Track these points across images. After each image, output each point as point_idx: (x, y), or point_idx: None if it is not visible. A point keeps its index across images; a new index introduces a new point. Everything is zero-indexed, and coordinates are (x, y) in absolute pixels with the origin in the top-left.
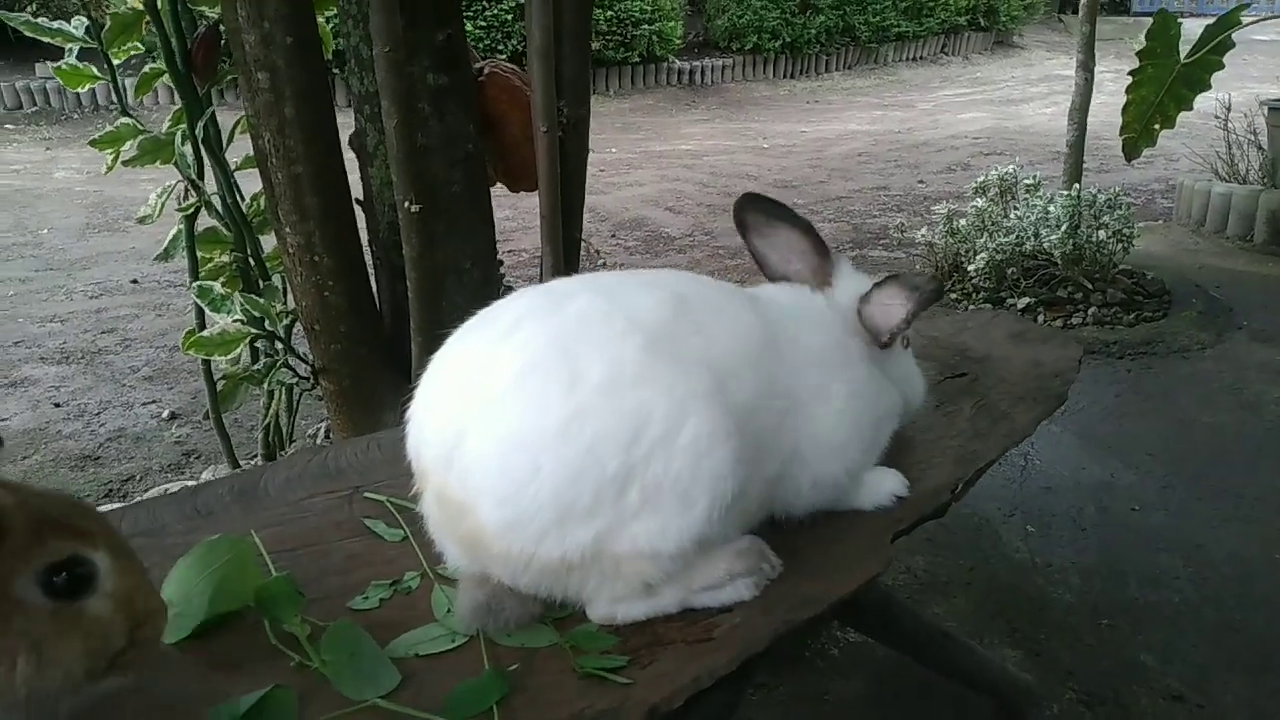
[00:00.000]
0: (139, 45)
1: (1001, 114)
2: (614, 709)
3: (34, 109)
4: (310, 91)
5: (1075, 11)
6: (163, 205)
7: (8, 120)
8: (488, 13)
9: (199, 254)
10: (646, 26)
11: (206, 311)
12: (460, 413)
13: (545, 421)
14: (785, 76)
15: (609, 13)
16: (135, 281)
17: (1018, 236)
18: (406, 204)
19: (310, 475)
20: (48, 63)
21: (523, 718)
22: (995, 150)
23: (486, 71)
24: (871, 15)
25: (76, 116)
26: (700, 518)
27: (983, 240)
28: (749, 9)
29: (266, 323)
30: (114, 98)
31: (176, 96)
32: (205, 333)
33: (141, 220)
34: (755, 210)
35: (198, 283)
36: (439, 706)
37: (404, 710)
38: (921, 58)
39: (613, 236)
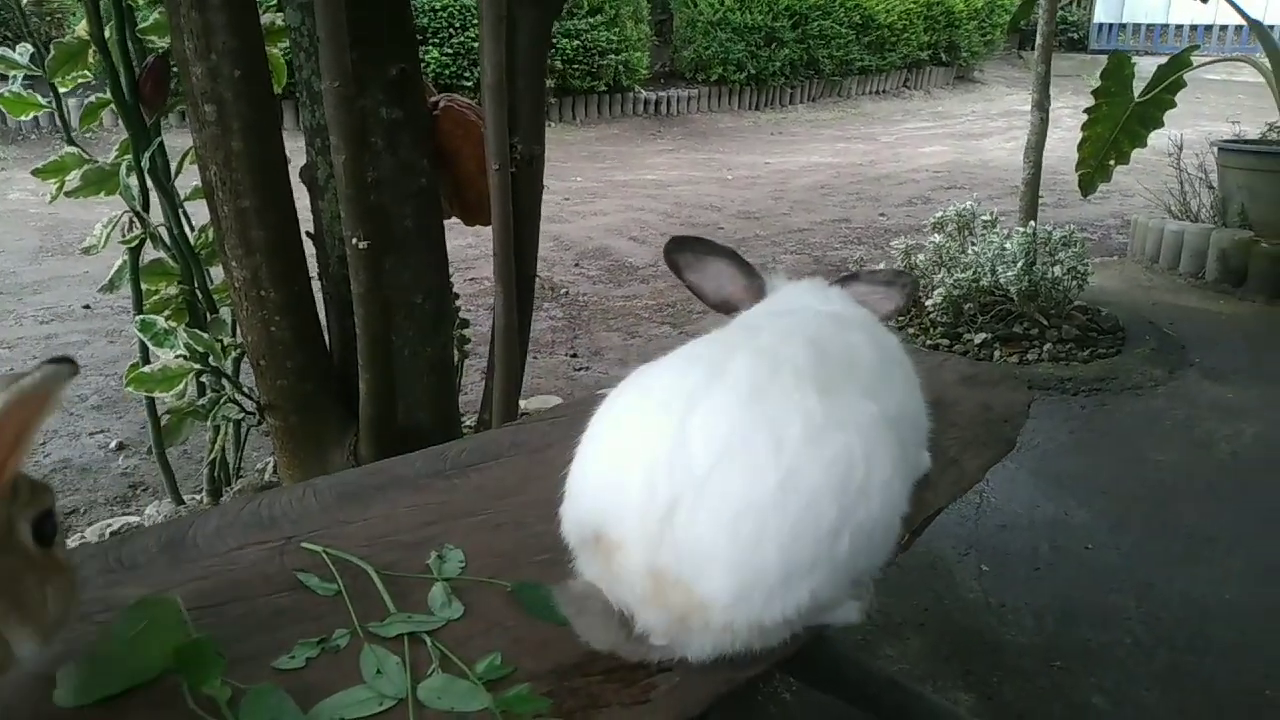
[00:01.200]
0: (86, 74)
1: (962, 148)
2: None
3: None
4: (258, 125)
5: (1034, 49)
6: (108, 236)
7: None
8: (454, 40)
9: (144, 286)
10: (613, 56)
11: (150, 346)
12: (665, 492)
13: (764, 485)
14: (750, 108)
15: (575, 42)
16: (88, 307)
17: (974, 272)
18: (354, 240)
19: (241, 524)
20: None
21: None
22: (955, 184)
23: (441, 105)
24: (835, 49)
25: (33, 137)
26: (890, 550)
27: (940, 275)
28: (715, 41)
29: (211, 358)
30: (59, 126)
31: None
32: (146, 368)
33: (86, 250)
34: (683, 250)
35: (140, 317)
36: None
37: None
38: (884, 91)
39: (576, 265)
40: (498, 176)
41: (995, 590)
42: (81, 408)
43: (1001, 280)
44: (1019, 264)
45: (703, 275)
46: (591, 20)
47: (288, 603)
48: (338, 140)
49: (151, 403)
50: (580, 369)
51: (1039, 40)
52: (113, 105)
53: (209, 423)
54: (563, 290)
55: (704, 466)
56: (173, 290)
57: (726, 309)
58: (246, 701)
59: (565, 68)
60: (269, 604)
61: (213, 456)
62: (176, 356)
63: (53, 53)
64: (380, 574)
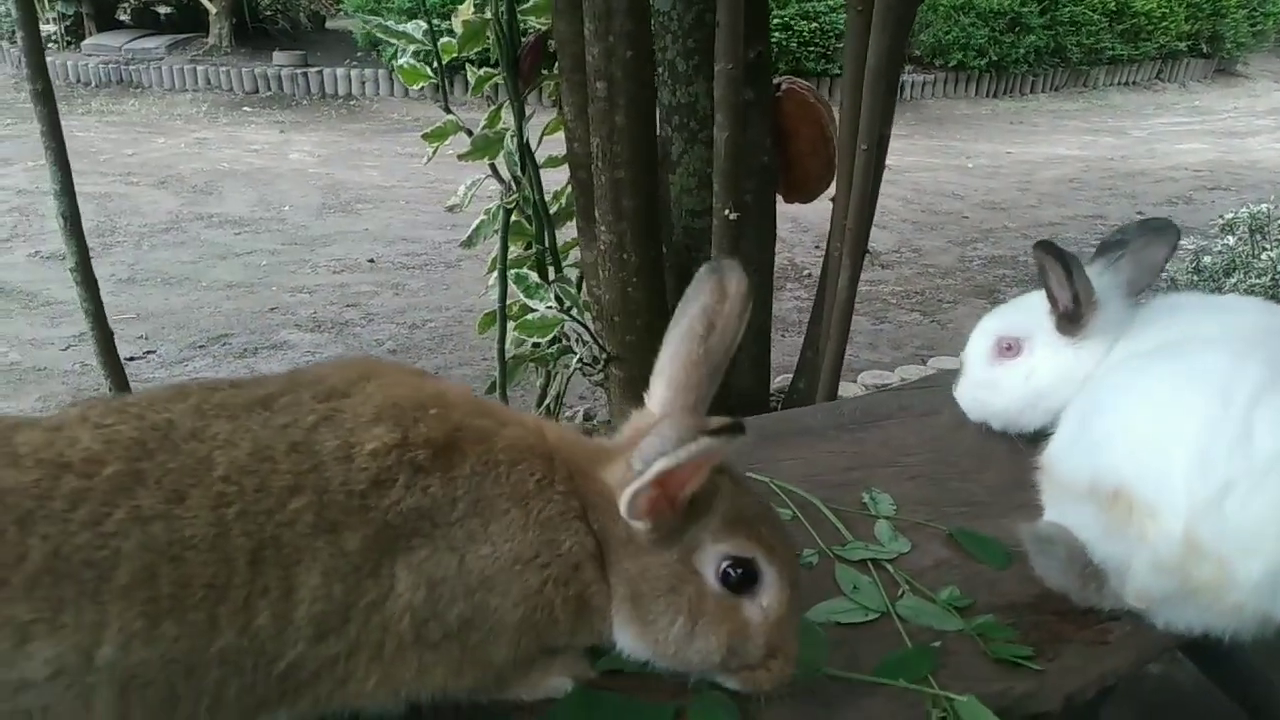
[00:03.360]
0: (478, 51)
1: (1224, 146)
2: (1032, 693)
3: (268, 94)
4: (641, 102)
5: None
6: (471, 196)
7: (245, 103)
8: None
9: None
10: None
11: (522, 297)
12: (1220, 473)
13: None
14: (988, 95)
15: (813, 25)
16: (372, 261)
17: (1272, 277)
18: (725, 211)
19: None
20: (281, 52)
21: (953, 689)
22: (1219, 185)
23: (784, 88)
24: (1085, 36)
25: (305, 103)
26: None
27: (1233, 280)
28: (956, 25)
29: (574, 310)
30: (438, 95)
31: (459, 96)
32: (529, 316)
33: (450, 209)
34: (1049, 254)
35: (515, 271)
36: (870, 671)
37: (849, 675)
38: (1134, 82)
39: (816, 248)
40: (864, 156)
41: None
42: (379, 351)
43: None
44: None
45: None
46: (830, 2)
47: None
48: (723, 118)
49: (502, 348)
50: None
51: None
52: (495, 78)
53: (550, 369)
54: (805, 272)
55: (1266, 459)
56: (523, 250)
57: (1073, 318)
58: None
59: (800, 50)
60: None
61: (546, 402)
62: (548, 307)
63: (459, 30)
64: (828, 507)
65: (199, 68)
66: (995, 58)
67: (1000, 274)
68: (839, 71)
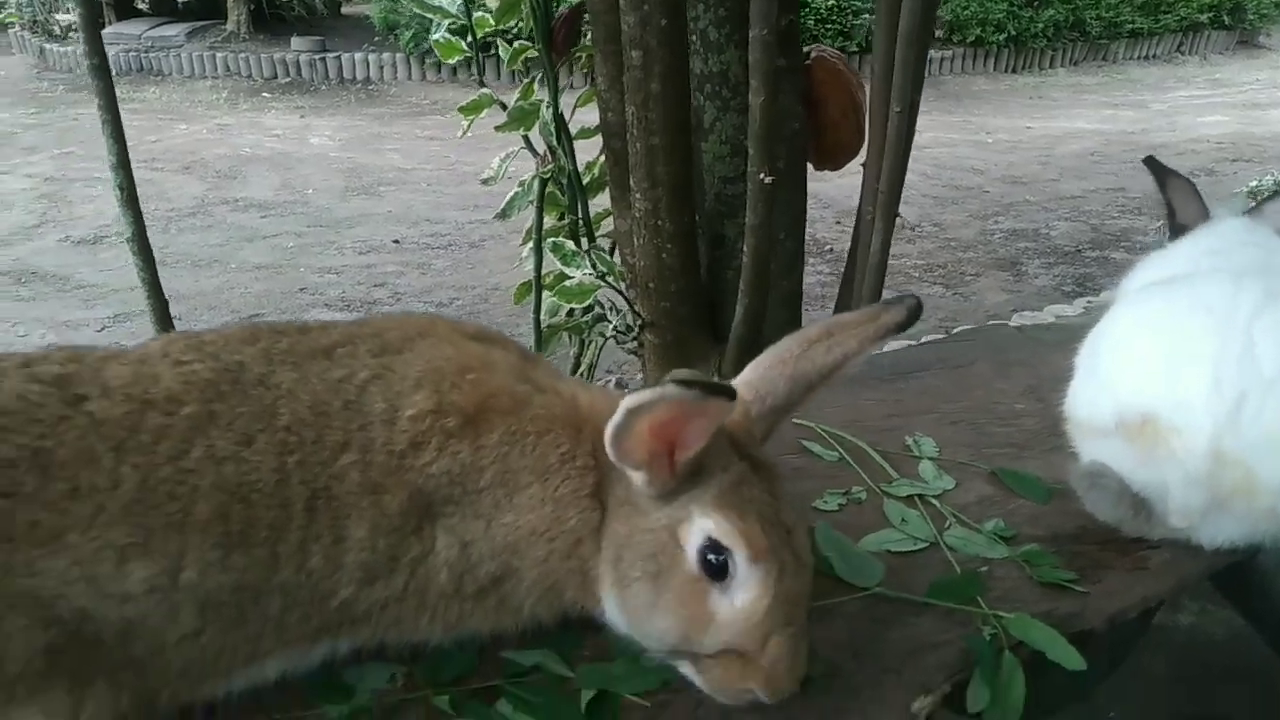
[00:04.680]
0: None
1: (1247, 119)
2: (1077, 613)
3: (287, 79)
4: (676, 70)
5: None
6: (505, 169)
7: (264, 89)
8: None
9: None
10: (867, 16)
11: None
12: (1233, 387)
13: None
14: (1007, 71)
15: (830, 2)
16: (397, 242)
17: None
18: (760, 175)
19: None
20: (299, 38)
21: (1001, 609)
22: (1242, 157)
23: (814, 55)
24: (1104, 10)
25: (324, 88)
26: None
27: None
28: (974, 0)
29: (610, 277)
30: (472, 71)
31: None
32: (566, 283)
33: (485, 182)
34: (1162, 171)
35: (553, 239)
36: (922, 594)
37: (901, 595)
38: (1154, 56)
39: (837, 223)
40: (898, 119)
41: None
42: None
43: None
44: None
45: (1176, 194)
46: None
47: (800, 462)
48: (757, 84)
49: (538, 318)
50: None
51: None
52: (529, 51)
53: (584, 337)
54: (826, 247)
55: (1272, 368)
56: (556, 220)
57: (1179, 231)
58: (814, 535)
59: (817, 26)
60: (786, 462)
61: (580, 370)
62: (585, 274)
63: (498, 4)
64: (873, 448)
65: (218, 54)
66: (1014, 32)
67: (1022, 247)
68: (856, 49)
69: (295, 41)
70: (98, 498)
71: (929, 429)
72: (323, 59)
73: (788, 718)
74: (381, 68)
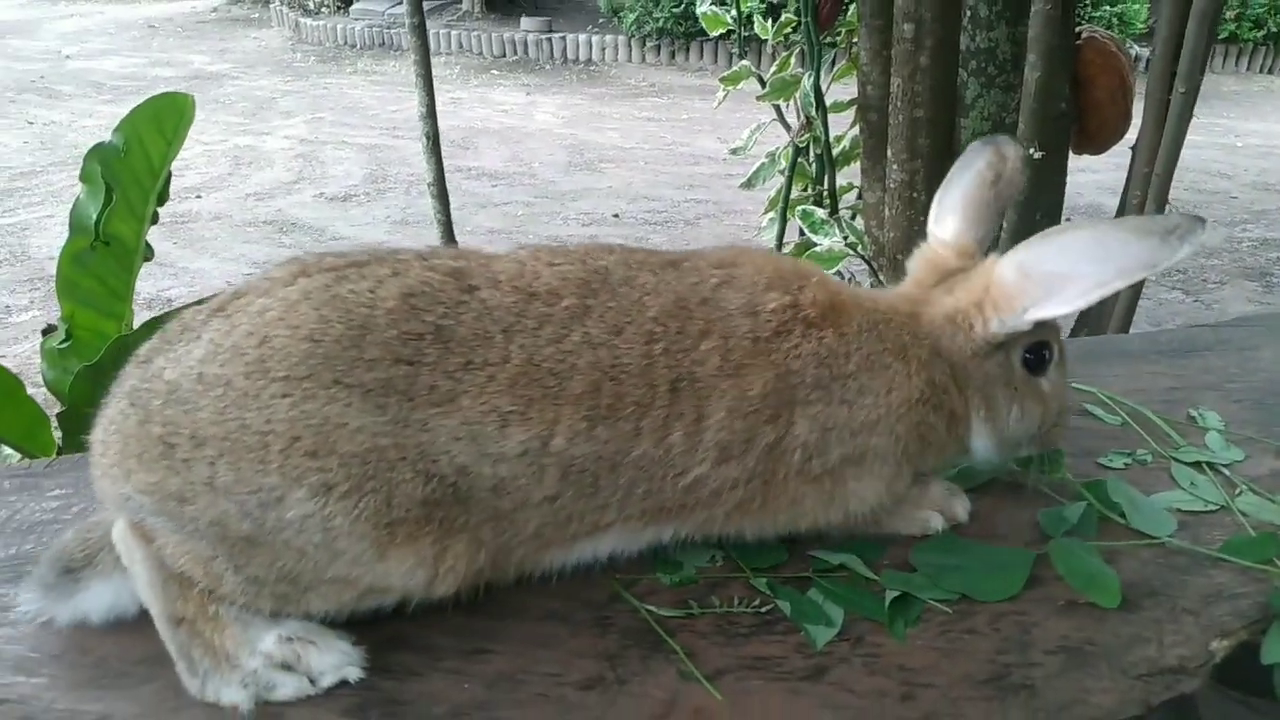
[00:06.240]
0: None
1: None
2: None
3: (514, 58)
4: (945, 44)
5: None
6: (754, 140)
7: (493, 66)
8: None
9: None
10: (1108, 7)
11: (808, 232)
12: None
13: None
14: (1262, 71)
15: None
16: (616, 216)
17: None
18: (1031, 150)
19: None
20: (527, 18)
21: None
22: None
23: (1085, 35)
24: None
25: (548, 67)
26: None
27: None
28: None
29: (859, 247)
30: (734, 44)
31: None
32: (815, 249)
33: (734, 151)
34: None
35: (801, 208)
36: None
37: (1195, 548)
38: None
39: (1067, 219)
40: (1180, 99)
41: None
42: None
43: None
44: None
45: None
46: None
47: (1083, 423)
48: (1035, 57)
49: None
50: None
51: None
52: (792, 24)
53: None
54: None
55: None
56: (801, 191)
57: None
58: (1108, 486)
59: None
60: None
61: None
62: (834, 241)
63: None
64: (1159, 416)
65: (452, 32)
66: (1275, 29)
67: (1272, 256)
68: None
69: (525, 21)
70: (489, 370)
71: (1212, 404)
72: (549, 39)
73: (1083, 636)
74: (604, 49)
